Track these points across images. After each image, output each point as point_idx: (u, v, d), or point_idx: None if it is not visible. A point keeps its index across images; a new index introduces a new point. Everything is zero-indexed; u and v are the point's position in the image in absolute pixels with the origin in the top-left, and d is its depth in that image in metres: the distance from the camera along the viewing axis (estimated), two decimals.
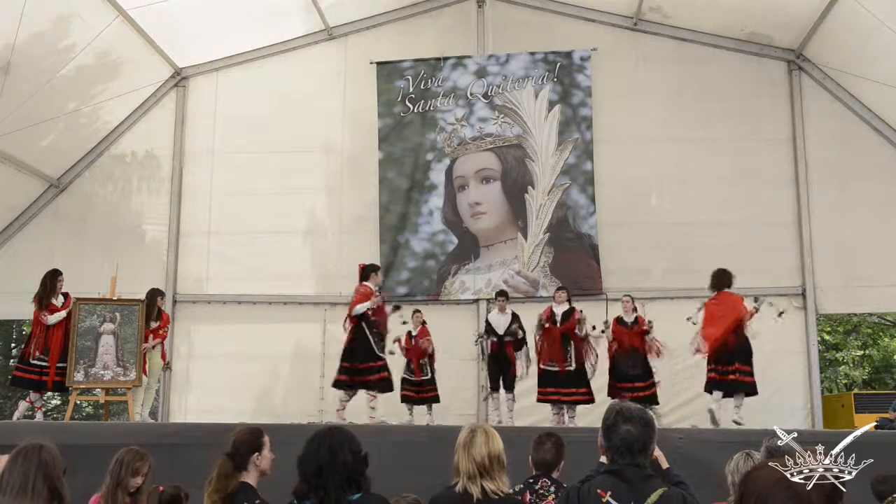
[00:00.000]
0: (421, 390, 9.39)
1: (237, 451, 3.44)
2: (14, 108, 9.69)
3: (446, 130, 11.78)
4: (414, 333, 9.48)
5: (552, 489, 4.00)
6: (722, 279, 8.56)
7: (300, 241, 11.68)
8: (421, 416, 9.43)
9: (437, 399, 9.45)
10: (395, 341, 9.39)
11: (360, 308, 8.51)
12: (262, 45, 12.01)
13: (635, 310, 9.19)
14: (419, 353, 9.39)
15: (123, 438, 6.39)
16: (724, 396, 8.36)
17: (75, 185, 11.86)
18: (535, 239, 11.41)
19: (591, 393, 8.96)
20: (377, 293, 8.75)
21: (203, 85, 12.16)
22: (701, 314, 8.55)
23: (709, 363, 8.45)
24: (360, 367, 8.52)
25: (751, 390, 8.30)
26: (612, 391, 8.96)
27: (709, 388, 8.47)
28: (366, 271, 8.90)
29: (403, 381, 9.43)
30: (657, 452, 3.35)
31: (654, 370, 9.07)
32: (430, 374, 9.44)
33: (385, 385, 8.65)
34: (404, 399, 9.41)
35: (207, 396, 11.06)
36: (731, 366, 8.23)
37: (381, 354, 8.64)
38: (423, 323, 9.52)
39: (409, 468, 5.28)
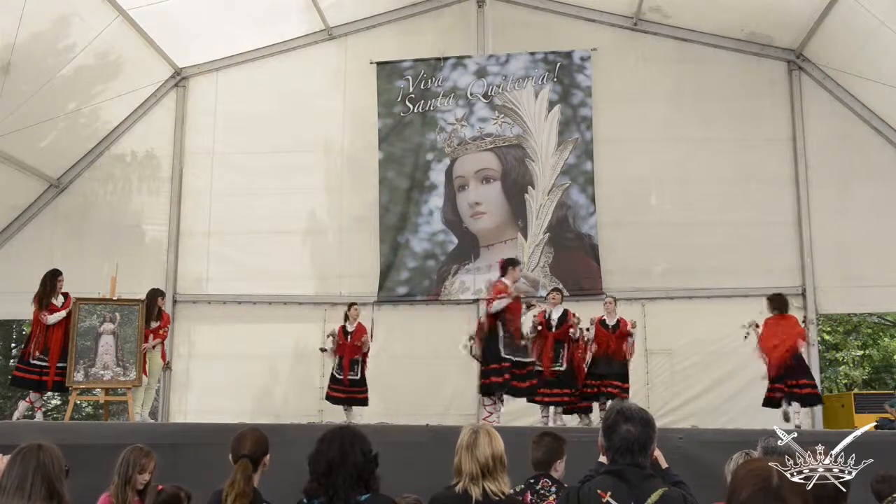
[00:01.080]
0: (350, 391, 9.24)
1: (255, 453, 3.39)
2: (14, 108, 9.69)
3: (446, 130, 11.78)
4: (350, 329, 9.36)
5: (553, 489, 3.98)
6: (782, 302, 8.99)
7: (300, 241, 11.68)
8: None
9: (365, 402, 9.29)
10: (328, 336, 9.30)
11: (499, 305, 8.12)
12: (262, 45, 12.01)
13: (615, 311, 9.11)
14: (353, 352, 9.26)
15: (123, 438, 6.38)
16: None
17: (75, 185, 11.86)
18: (535, 239, 11.41)
19: (576, 395, 8.88)
20: (511, 289, 8.27)
21: (203, 85, 12.16)
22: (753, 331, 8.85)
23: (775, 380, 8.69)
24: (486, 368, 8.14)
25: (818, 400, 9.19)
26: (585, 389, 8.98)
27: (773, 404, 8.75)
28: (504, 267, 8.51)
29: (332, 378, 9.34)
30: (656, 452, 3.35)
31: (629, 375, 9.00)
32: (359, 375, 9.28)
33: (514, 390, 8.16)
34: (331, 399, 9.31)
35: (207, 396, 11.07)
36: (799, 380, 8.60)
37: (507, 356, 8.10)
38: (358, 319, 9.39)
39: (409, 468, 5.27)
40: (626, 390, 8.88)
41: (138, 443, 4.35)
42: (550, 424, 8.59)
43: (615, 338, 8.94)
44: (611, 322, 9.04)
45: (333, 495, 2.82)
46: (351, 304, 9.74)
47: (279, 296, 11.43)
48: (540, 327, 8.95)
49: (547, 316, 9.04)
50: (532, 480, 4.06)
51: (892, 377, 17.90)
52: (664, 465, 3.45)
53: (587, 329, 9.07)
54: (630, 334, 8.96)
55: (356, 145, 11.87)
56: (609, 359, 8.92)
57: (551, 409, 8.88)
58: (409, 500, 3.87)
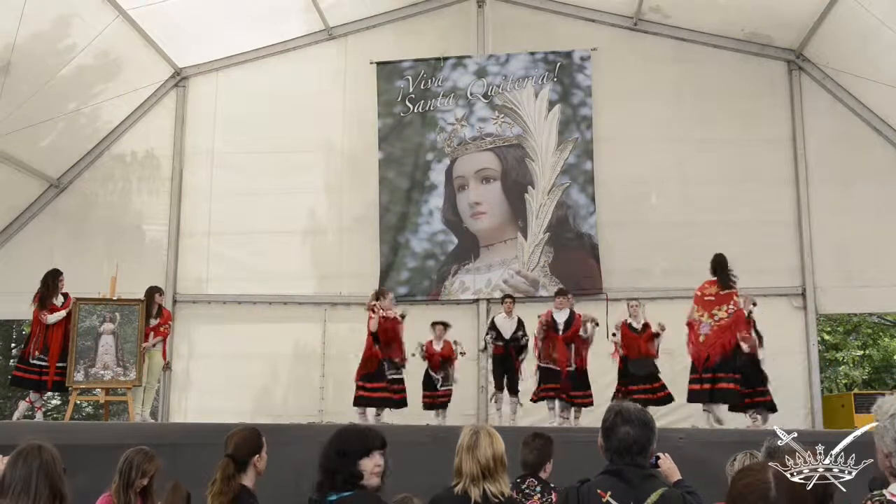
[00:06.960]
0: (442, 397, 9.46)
1: (239, 453, 3.38)
2: (14, 108, 9.69)
3: (446, 130, 11.78)
4: (437, 348, 9.45)
5: (538, 489, 4.10)
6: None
7: (300, 241, 11.68)
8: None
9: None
10: (419, 344, 9.37)
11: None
12: (262, 45, 12.01)
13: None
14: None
15: (123, 438, 6.40)
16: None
17: (75, 185, 11.86)
18: (535, 238, 11.41)
19: (591, 395, 8.98)
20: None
21: (203, 85, 12.16)
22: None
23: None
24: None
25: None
26: (623, 395, 8.96)
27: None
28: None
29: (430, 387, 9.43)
30: (670, 464, 3.21)
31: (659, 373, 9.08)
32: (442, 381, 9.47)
33: None
34: (431, 406, 9.47)
35: (207, 396, 11.06)
36: None
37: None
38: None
39: (409, 468, 5.27)
40: (663, 387, 8.94)
41: (138, 443, 4.33)
42: (571, 423, 8.73)
43: (643, 340, 8.97)
44: (637, 325, 9.06)
45: (336, 473, 2.81)
46: (437, 323, 9.50)
47: (279, 296, 11.43)
48: (548, 330, 8.99)
49: (552, 318, 9.08)
50: (518, 480, 4.14)
51: (892, 377, 17.89)
52: (678, 476, 3.34)
53: (595, 324, 9.09)
54: (657, 335, 8.97)
55: (356, 145, 11.87)
56: (642, 361, 8.93)
57: (572, 409, 8.96)
58: (397, 498, 3.87)
